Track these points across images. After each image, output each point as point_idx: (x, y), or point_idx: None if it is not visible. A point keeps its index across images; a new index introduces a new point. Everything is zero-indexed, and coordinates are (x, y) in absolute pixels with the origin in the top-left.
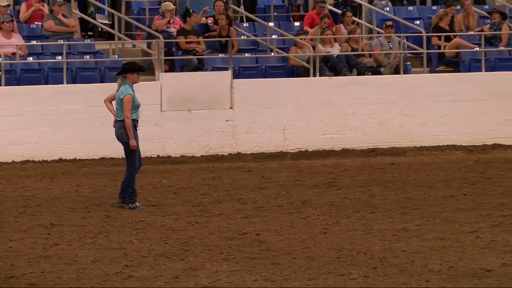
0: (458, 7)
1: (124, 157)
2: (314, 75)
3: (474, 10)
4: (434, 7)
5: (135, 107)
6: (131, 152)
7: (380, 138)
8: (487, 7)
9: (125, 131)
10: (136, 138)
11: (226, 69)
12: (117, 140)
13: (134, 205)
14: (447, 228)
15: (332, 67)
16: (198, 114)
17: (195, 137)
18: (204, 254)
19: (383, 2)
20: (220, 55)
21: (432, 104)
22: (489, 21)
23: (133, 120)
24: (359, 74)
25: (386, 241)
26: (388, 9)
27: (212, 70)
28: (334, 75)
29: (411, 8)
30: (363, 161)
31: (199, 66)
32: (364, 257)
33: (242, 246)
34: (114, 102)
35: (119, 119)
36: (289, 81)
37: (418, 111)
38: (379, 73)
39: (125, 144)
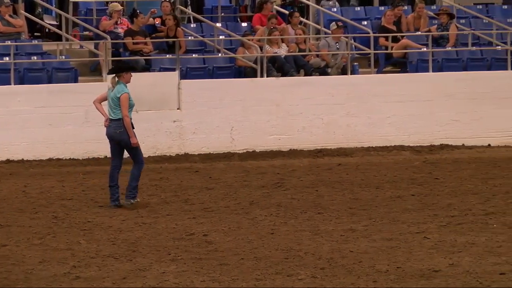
0: (406, 7)
1: (130, 156)
2: (262, 76)
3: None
4: (381, 8)
5: (130, 106)
6: (135, 149)
7: (328, 139)
8: (434, 7)
9: (124, 130)
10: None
11: (174, 69)
12: (107, 139)
13: (136, 200)
14: (395, 228)
15: (280, 67)
16: (145, 115)
17: (143, 138)
18: (152, 255)
19: (331, 2)
20: (167, 55)
21: (380, 104)
22: (436, 21)
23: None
24: (306, 74)
25: (334, 241)
26: (335, 9)
27: (160, 70)
28: (282, 76)
29: (358, 8)
30: (310, 161)
31: (147, 67)
32: (311, 257)
33: (189, 246)
34: (105, 103)
35: (115, 118)
36: (236, 81)
37: (365, 111)
38: (326, 73)
39: (126, 142)
